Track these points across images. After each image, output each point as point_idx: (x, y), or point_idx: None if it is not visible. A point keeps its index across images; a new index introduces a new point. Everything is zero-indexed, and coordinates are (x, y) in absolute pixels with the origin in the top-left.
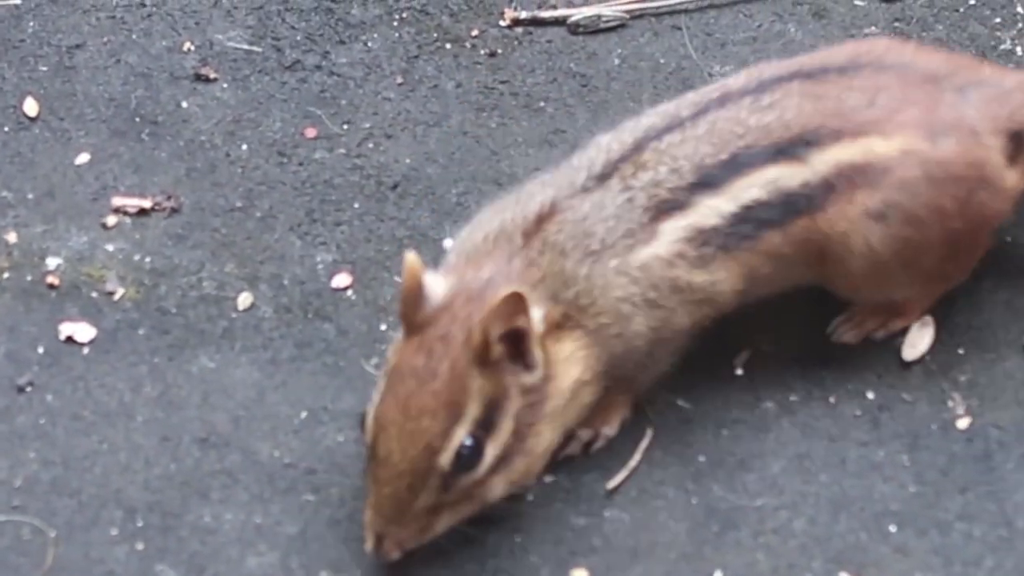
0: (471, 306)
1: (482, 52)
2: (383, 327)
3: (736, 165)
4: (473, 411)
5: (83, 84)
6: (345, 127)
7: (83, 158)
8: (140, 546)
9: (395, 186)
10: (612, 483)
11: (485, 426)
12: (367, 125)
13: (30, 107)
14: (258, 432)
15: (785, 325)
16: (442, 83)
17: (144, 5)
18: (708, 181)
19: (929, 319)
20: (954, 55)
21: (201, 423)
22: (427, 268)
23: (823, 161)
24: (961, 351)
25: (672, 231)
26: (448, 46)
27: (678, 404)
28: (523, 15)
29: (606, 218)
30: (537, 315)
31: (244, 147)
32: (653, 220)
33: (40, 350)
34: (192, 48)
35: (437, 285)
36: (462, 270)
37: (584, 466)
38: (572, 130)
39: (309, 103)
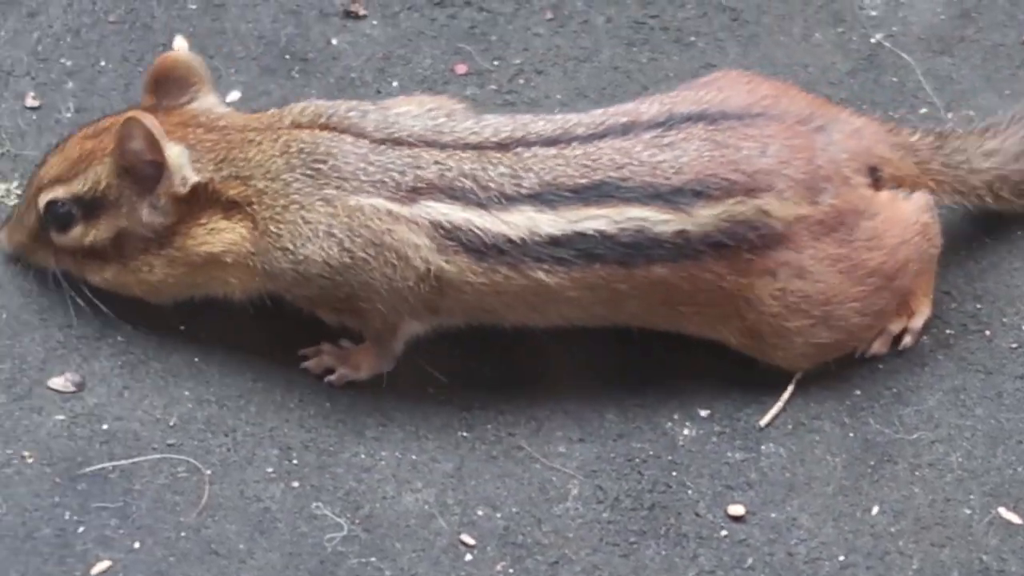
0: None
1: None
2: None
3: (595, 193)
4: (80, 187)
5: (232, 22)
6: (496, 63)
7: (234, 96)
8: (296, 484)
9: None
10: (767, 418)
11: (86, 208)
12: (517, 61)
13: (180, 45)
14: None
15: (942, 253)
16: (592, 18)
17: None
18: (547, 198)
19: None
20: (807, 95)
21: None
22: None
23: (711, 215)
24: None
25: (432, 208)
26: None
27: None
28: None
29: (370, 162)
30: (191, 176)
31: (395, 84)
32: (416, 191)
33: None
34: None
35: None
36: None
37: (739, 401)
38: (723, 64)
39: (459, 39)
